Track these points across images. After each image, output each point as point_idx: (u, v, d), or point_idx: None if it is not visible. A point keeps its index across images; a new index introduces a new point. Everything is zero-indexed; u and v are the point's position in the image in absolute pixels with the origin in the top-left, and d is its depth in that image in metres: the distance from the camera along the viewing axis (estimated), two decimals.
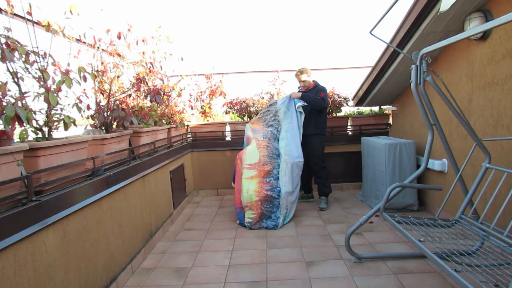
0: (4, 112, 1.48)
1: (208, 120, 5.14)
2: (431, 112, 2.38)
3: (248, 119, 5.10)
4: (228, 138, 4.99)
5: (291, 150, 3.78)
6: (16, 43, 1.71)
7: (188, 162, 4.82)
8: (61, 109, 1.97)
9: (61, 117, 1.94)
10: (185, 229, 3.56)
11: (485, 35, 2.64)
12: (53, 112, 1.91)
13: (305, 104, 3.91)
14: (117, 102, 2.84)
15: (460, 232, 2.30)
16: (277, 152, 3.74)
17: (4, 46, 1.63)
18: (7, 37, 1.68)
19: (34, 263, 1.57)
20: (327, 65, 5.52)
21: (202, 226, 3.64)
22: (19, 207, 1.53)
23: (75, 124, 2.03)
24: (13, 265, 1.44)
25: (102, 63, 2.73)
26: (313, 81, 4.09)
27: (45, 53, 1.93)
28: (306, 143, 4.03)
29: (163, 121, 3.92)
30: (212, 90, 5.03)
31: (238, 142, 4.79)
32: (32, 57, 1.83)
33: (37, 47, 1.89)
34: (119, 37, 2.84)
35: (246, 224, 3.46)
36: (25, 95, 1.74)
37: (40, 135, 1.88)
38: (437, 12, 2.69)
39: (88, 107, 2.42)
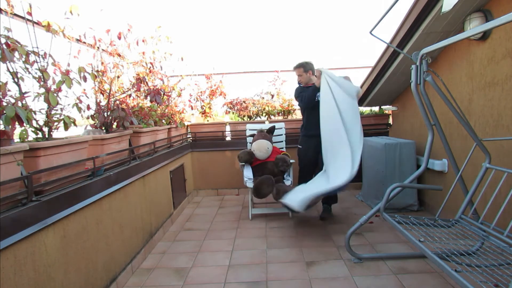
0: (4, 112, 1.48)
1: (208, 120, 5.14)
2: (431, 112, 2.38)
3: (248, 119, 5.10)
4: (228, 138, 4.99)
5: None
6: (16, 43, 1.71)
7: (188, 162, 4.82)
8: (61, 109, 1.97)
9: (61, 117, 1.94)
10: (185, 229, 3.56)
11: (485, 35, 2.64)
12: (53, 112, 1.91)
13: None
14: (117, 102, 2.84)
15: (460, 232, 2.30)
16: None
17: (4, 46, 1.63)
18: (7, 37, 1.68)
19: (34, 263, 1.57)
20: (328, 66, 5.51)
21: (202, 226, 3.64)
22: (19, 207, 1.53)
23: (75, 124, 2.03)
24: (13, 265, 1.44)
25: (102, 63, 2.73)
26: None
27: (45, 53, 1.93)
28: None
29: (163, 121, 3.92)
30: (212, 90, 5.03)
31: (238, 142, 4.79)
32: (32, 57, 1.83)
33: (37, 47, 1.89)
34: (119, 37, 2.84)
35: None
36: (25, 95, 1.74)
37: (40, 135, 1.88)
38: (437, 12, 2.69)
39: (88, 107, 2.42)
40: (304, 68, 3.72)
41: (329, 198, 3.73)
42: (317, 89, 3.55)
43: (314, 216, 3.78)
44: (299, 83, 3.90)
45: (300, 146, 3.88)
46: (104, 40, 2.72)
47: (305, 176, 3.95)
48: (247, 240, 3.17)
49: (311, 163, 3.84)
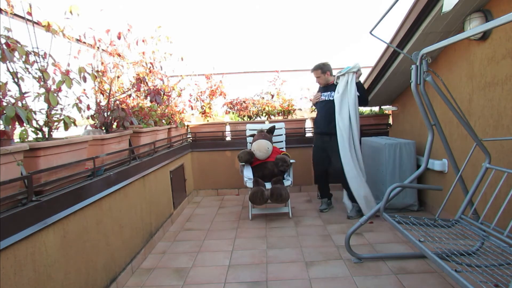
0: (4, 112, 1.48)
1: (208, 120, 5.14)
2: (431, 112, 2.38)
3: (248, 119, 5.10)
4: (228, 138, 4.99)
5: None
6: (16, 43, 1.71)
7: (188, 162, 4.82)
8: (61, 109, 1.97)
9: (61, 117, 1.94)
10: (185, 229, 3.56)
11: (485, 35, 2.64)
12: (53, 112, 1.91)
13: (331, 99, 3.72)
14: (117, 102, 2.84)
15: (460, 232, 2.30)
16: None
17: (4, 46, 1.63)
18: (7, 37, 1.68)
19: (34, 263, 1.57)
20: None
21: (202, 226, 3.64)
22: (19, 207, 1.53)
23: (75, 124, 2.03)
24: (13, 265, 1.44)
25: (102, 63, 2.73)
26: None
27: (45, 53, 1.93)
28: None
29: (163, 121, 3.92)
30: (212, 90, 5.03)
31: (238, 142, 4.79)
32: (32, 57, 1.83)
33: (37, 47, 1.89)
34: (119, 37, 2.84)
35: None
36: (25, 95, 1.74)
37: (40, 135, 1.88)
38: (437, 12, 2.69)
39: (88, 107, 2.42)
40: (322, 69, 3.82)
41: (329, 192, 3.96)
42: (328, 89, 3.78)
43: (314, 216, 3.78)
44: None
45: (313, 145, 4.01)
46: (104, 40, 2.72)
47: (317, 175, 3.99)
48: (247, 240, 3.17)
49: (321, 162, 3.90)
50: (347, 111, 3.49)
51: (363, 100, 3.63)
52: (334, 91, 3.65)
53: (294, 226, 3.48)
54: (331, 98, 3.69)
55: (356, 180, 3.47)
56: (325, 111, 3.75)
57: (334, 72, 3.82)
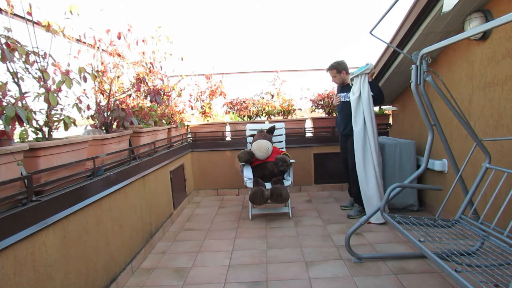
0: (4, 112, 1.48)
1: (208, 120, 5.14)
2: (431, 112, 2.38)
3: (248, 119, 5.10)
4: (228, 138, 4.99)
5: None
6: (16, 43, 1.71)
7: (188, 162, 4.82)
8: (61, 109, 1.97)
9: (61, 117, 1.94)
10: (185, 229, 3.56)
11: (485, 35, 2.64)
12: (53, 112, 1.91)
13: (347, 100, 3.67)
14: (117, 102, 2.84)
15: (460, 232, 2.30)
16: None
17: (4, 46, 1.63)
18: (7, 37, 1.68)
19: (34, 263, 1.57)
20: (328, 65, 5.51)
21: (202, 226, 3.64)
22: (19, 207, 1.53)
23: (75, 124, 2.03)
24: (13, 265, 1.44)
25: (102, 63, 2.73)
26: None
27: (45, 53, 1.93)
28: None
29: (163, 121, 3.92)
30: (212, 90, 5.03)
31: (238, 142, 4.79)
32: (32, 57, 1.83)
33: (37, 47, 1.89)
34: (119, 37, 2.84)
35: None
36: (25, 95, 1.74)
37: (40, 135, 1.88)
38: (437, 12, 2.69)
39: (88, 107, 2.42)
40: (337, 69, 3.77)
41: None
42: (345, 89, 3.75)
43: (314, 216, 3.78)
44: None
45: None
46: (104, 40, 2.72)
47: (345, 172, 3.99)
48: (247, 240, 3.17)
49: (343, 162, 3.92)
50: (361, 115, 3.46)
51: (377, 99, 3.54)
52: (349, 91, 3.61)
53: (294, 226, 3.48)
54: (347, 99, 3.65)
55: (362, 181, 3.48)
56: (342, 112, 3.75)
57: (350, 71, 3.77)
